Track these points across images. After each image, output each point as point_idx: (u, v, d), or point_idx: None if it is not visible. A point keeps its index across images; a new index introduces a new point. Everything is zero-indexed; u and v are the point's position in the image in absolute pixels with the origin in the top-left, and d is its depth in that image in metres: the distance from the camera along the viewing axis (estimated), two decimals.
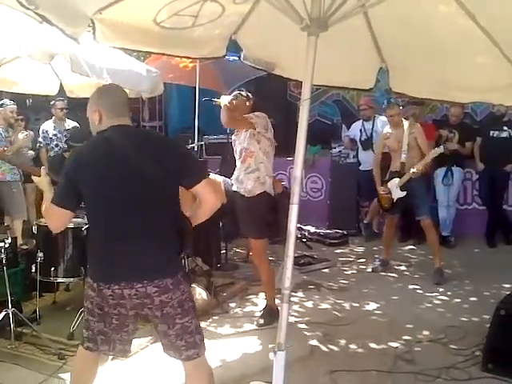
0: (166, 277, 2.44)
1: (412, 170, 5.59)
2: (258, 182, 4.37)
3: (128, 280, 2.41)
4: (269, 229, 4.53)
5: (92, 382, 2.75)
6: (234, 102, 4.38)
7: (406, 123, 5.83)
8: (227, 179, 4.58)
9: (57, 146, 6.91)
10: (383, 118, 7.60)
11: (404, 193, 5.73)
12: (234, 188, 4.48)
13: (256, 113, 4.39)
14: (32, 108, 8.45)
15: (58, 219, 2.60)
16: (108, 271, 2.47)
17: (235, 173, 4.54)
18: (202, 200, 2.57)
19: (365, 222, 7.83)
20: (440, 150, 5.63)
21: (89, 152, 2.57)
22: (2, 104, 6.36)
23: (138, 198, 2.44)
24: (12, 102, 6.42)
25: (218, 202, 2.60)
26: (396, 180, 5.78)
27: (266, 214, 4.43)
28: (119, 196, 2.44)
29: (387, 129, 6.10)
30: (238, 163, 4.53)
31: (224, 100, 4.33)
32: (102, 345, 2.62)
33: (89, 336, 2.63)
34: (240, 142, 4.47)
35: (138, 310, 2.53)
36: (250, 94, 4.54)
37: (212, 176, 4.59)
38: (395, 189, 5.79)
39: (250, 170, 4.38)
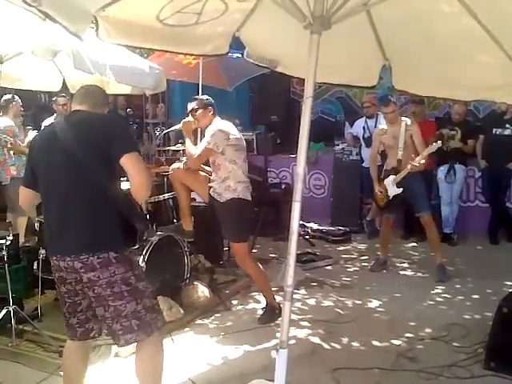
0: (91, 254, 2.53)
1: (409, 166, 5.50)
2: (229, 190, 4.36)
3: (61, 253, 2.61)
4: (246, 231, 4.55)
5: (82, 374, 2.84)
6: (194, 119, 4.50)
7: (403, 120, 5.74)
8: None
9: None
10: None
11: (400, 189, 5.66)
12: (211, 193, 4.48)
13: (211, 128, 4.38)
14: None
15: (23, 197, 2.91)
16: (49, 244, 2.73)
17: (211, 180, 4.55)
18: (129, 176, 2.60)
19: (367, 219, 7.82)
20: (437, 145, 5.55)
21: (40, 136, 2.94)
22: (13, 97, 6.29)
23: (68, 178, 2.60)
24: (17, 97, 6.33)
25: (142, 178, 2.59)
26: (392, 177, 5.72)
27: (240, 218, 4.39)
28: (54, 176, 2.65)
29: (383, 125, 5.99)
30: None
31: (183, 123, 4.52)
32: (69, 331, 2.78)
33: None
34: None
35: (79, 285, 2.64)
36: (204, 100, 4.51)
37: None
38: (391, 186, 5.72)
39: (221, 180, 4.39)
